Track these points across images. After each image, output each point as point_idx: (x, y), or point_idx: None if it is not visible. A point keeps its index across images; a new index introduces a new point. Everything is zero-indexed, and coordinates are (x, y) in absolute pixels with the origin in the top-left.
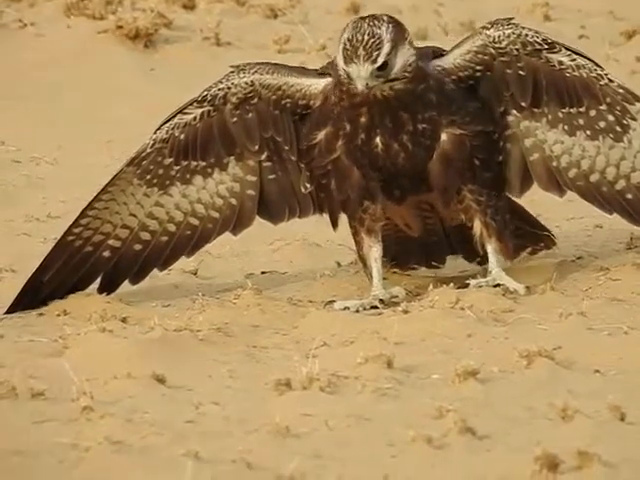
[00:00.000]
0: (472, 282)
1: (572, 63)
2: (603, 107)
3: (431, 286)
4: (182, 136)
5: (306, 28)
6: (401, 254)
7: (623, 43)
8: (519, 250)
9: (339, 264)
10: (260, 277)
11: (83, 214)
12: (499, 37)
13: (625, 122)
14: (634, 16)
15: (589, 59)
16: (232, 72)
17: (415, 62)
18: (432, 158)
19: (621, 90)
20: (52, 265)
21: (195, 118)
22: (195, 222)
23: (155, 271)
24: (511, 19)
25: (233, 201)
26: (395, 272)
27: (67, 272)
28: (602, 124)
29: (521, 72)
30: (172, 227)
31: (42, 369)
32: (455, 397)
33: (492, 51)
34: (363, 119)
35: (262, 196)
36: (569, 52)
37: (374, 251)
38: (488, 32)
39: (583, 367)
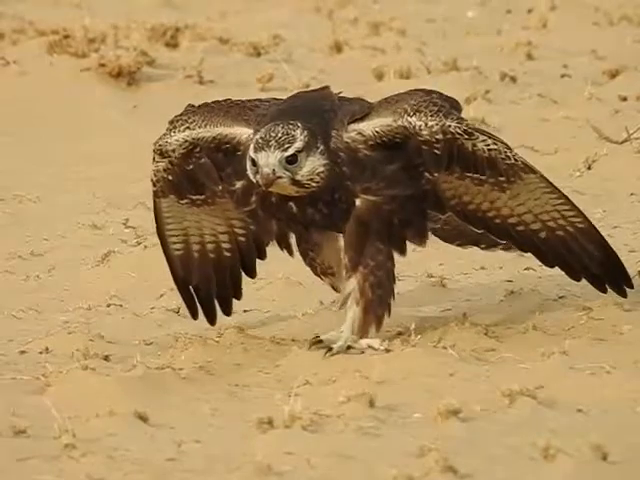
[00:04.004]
0: (333, 346)
1: (485, 147)
2: (502, 178)
3: (413, 325)
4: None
5: (289, 66)
6: None
7: (606, 82)
8: (492, 246)
9: (321, 302)
10: (243, 315)
11: None
12: (420, 127)
13: (512, 179)
14: (616, 55)
15: (503, 143)
16: (166, 130)
17: (325, 172)
18: (349, 219)
19: (522, 165)
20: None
21: (165, 170)
22: None
23: (137, 309)
24: (436, 104)
25: None
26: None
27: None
28: (491, 180)
29: (436, 151)
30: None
31: (24, 407)
32: (437, 436)
33: (412, 132)
34: (273, 197)
35: None
36: (485, 137)
37: (343, 289)
38: (410, 119)
39: (565, 406)
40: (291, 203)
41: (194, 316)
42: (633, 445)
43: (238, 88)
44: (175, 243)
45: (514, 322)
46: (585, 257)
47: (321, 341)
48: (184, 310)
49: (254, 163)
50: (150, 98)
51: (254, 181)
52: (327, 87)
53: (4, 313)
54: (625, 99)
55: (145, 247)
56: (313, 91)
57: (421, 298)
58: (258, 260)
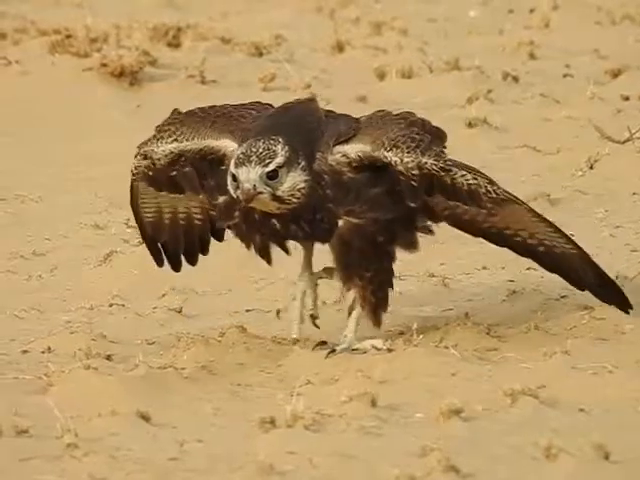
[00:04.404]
0: (336, 348)
1: (465, 181)
2: (486, 210)
3: (415, 325)
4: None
5: (291, 66)
6: None
7: (608, 82)
8: None
9: (324, 302)
10: (245, 315)
11: None
12: (396, 162)
13: (501, 206)
14: (619, 55)
15: (485, 177)
16: (153, 137)
17: (306, 188)
18: (332, 237)
19: (505, 198)
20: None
21: (147, 167)
22: None
23: (140, 308)
24: (414, 139)
25: None
26: None
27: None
28: (475, 208)
29: (413, 183)
30: None
31: (27, 406)
32: (439, 436)
33: (388, 163)
34: (256, 213)
35: None
36: (464, 172)
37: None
38: (386, 154)
39: (567, 406)
40: (274, 220)
41: (159, 265)
42: (635, 444)
43: (240, 88)
44: (147, 213)
45: (516, 322)
46: (584, 275)
47: (325, 342)
48: (186, 310)
49: (235, 178)
50: (152, 98)
51: (234, 196)
52: (314, 99)
53: (6, 313)
54: (627, 98)
55: None
56: (300, 104)
57: (423, 298)
58: (260, 261)
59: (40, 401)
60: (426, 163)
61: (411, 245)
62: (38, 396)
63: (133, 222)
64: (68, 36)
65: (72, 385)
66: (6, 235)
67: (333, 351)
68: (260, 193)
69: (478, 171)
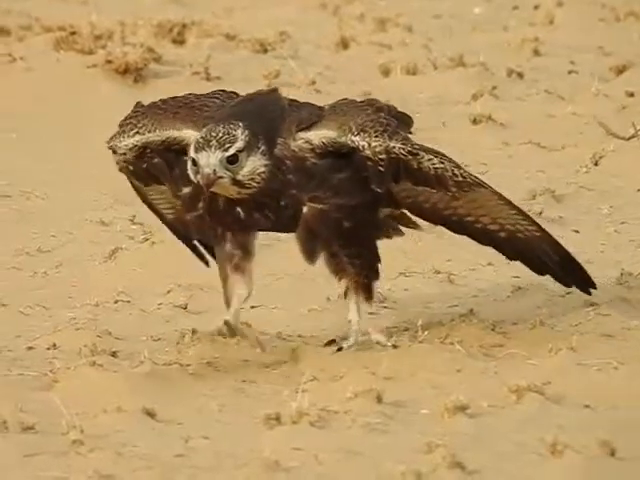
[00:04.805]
0: (343, 344)
1: (431, 165)
2: (451, 192)
3: (420, 321)
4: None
5: (296, 63)
6: None
7: (613, 78)
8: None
9: (328, 299)
10: (250, 312)
11: None
12: (363, 147)
13: (465, 190)
14: (623, 51)
15: (452, 161)
16: (117, 132)
17: (266, 173)
18: (297, 226)
19: (471, 181)
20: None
21: (125, 161)
22: None
23: (145, 305)
24: (382, 124)
25: None
26: None
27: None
28: (442, 192)
29: (380, 168)
30: None
31: (32, 403)
32: (444, 432)
33: (356, 149)
34: (220, 202)
35: None
36: (431, 156)
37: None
38: (354, 138)
39: (573, 402)
40: (238, 209)
41: (206, 265)
42: None
43: (245, 84)
44: (165, 209)
45: (521, 318)
46: (546, 258)
47: (334, 341)
48: (192, 306)
49: (195, 163)
50: (157, 95)
51: (195, 181)
52: (276, 89)
53: (11, 309)
54: (632, 95)
55: (152, 243)
56: (262, 95)
57: (428, 294)
58: (264, 258)
59: (45, 397)
60: (394, 147)
61: (390, 232)
62: (43, 392)
63: (138, 219)
64: (73, 33)
65: (77, 382)
66: (11, 232)
67: (341, 348)
68: (220, 178)
69: (445, 155)
